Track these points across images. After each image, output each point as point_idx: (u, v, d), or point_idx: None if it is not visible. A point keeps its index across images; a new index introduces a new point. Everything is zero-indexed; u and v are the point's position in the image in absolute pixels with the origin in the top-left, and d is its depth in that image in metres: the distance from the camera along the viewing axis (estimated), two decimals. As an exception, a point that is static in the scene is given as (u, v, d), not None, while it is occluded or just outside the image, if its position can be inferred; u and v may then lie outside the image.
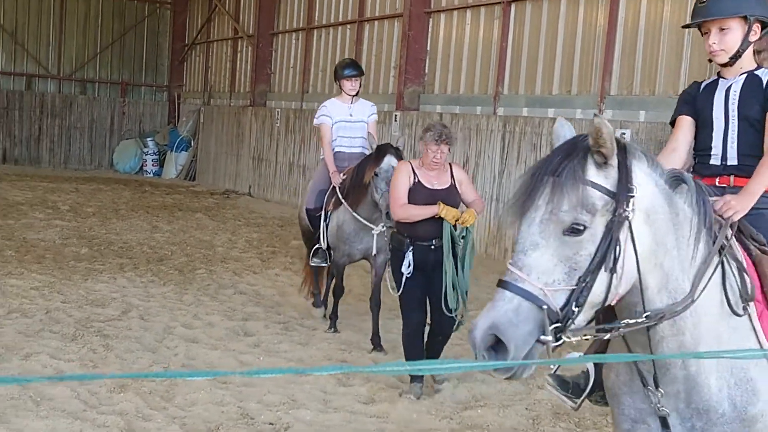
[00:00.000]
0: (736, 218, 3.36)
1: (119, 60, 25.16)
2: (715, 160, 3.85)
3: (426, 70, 14.37)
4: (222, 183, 21.13)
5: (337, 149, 8.55)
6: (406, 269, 6.41)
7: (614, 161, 2.84)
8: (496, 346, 2.68)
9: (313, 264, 8.47)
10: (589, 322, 2.87)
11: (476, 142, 12.58)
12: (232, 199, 19.09)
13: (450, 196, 6.49)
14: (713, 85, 3.89)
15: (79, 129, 24.38)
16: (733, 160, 3.80)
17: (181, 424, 5.71)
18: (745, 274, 3.23)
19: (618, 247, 2.80)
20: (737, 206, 3.40)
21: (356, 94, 8.71)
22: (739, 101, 3.79)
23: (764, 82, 3.76)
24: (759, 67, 3.86)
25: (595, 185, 2.81)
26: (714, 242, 3.15)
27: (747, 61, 3.82)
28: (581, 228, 2.77)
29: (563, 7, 11.73)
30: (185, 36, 25.39)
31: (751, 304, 3.20)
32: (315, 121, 8.73)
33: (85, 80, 24.70)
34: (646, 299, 2.95)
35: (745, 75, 3.80)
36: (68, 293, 9.09)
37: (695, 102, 3.93)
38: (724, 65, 3.81)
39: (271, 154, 19.00)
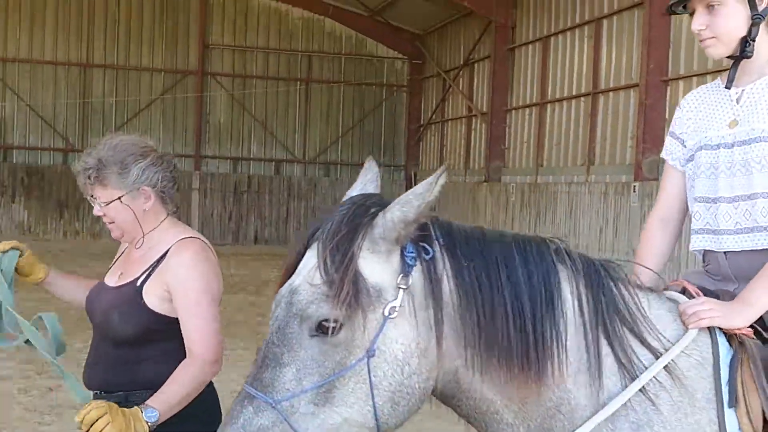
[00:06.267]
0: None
1: (359, 142, 26.31)
2: None
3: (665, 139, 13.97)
4: (459, 258, 21.35)
5: (702, 222, 2.98)
6: None
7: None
8: None
9: None
10: None
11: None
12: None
13: (113, 307, 3.17)
14: None
15: (324, 210, 25.56)
16: None
17: None
18: None
19: None
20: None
21: (741, 58, 2.88)
22: None
23: None
24: None
25: None
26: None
27: None
28: None
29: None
30: (420, 116, 26.22)
31: None
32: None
33: (328, 163, 26.04)
34: None
35: None
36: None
37: None
38: None
39: (506, 228, 19.04)
